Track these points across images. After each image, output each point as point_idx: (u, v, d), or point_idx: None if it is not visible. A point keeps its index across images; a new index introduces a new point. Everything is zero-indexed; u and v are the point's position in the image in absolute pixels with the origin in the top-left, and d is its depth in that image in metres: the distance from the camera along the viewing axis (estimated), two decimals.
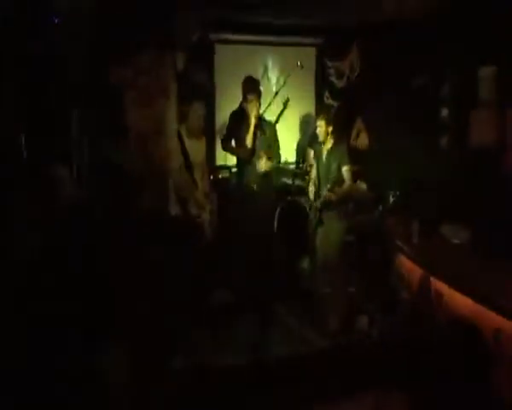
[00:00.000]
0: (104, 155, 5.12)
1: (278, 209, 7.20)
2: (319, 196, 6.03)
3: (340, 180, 5.94)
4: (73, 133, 4.53)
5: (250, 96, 6.44)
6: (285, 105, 6.74)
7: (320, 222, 6.03)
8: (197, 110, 6.14)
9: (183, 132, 5.99)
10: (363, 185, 7.03)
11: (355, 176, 6.36)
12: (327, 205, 5.95)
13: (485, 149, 6.32)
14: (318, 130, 6.14)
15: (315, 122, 6.51)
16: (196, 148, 6.07)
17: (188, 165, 5.89)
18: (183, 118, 6.04)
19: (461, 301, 4.50)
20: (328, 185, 5.87)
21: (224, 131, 6.79)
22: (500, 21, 6.02)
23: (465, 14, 6.62)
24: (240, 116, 6.59)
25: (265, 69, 8.29)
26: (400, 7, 5.40)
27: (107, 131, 5.23)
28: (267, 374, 4.80)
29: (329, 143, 6.06)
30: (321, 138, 6.14)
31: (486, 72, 6.39)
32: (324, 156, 6.09)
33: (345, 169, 5.94)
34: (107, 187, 5.11)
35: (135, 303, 4.74)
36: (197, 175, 6.02)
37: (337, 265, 5.99)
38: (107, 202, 4.93)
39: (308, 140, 7.90)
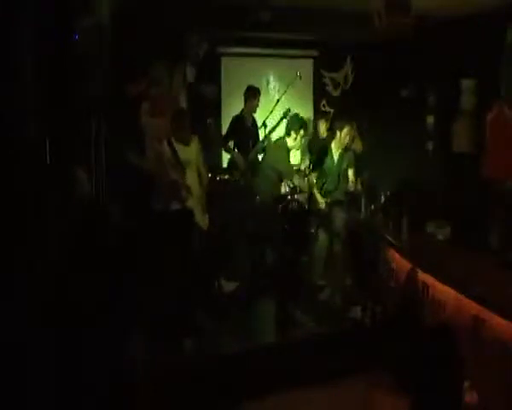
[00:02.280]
0: (121, 158, 5.21)
1: (280, 207, 7.26)
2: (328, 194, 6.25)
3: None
4: (93, 137, 4.59)
5: (250, 102, 6.65)
6: (285, 115, 6.82)
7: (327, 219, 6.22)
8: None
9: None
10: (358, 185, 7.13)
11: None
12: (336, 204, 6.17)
13: (466, 154, 6.43)
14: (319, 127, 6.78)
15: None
16: (188, 151, 6.02)
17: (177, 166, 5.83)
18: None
19: (444, 292, 4.58)
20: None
21: (225, 132, 6.99)
22: (479, 40, 6.15)
23: (448, 34, 6.74)
24: (240, 120, 6.75)
25: (268, 80, 8.38)
26: (389, 28, 5.48)
27: (124, 136, 5.32)
28: (265, 359, 4.88)
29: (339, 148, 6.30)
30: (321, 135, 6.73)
31: (467, 84, 6.52)
32: (335, 160, 6.31)
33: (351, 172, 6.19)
34: (123, 187, 5.19)
35: (149, 293, 4.82)
36: (191, 175, 5.96)
37: (336, 259, 6.15)
38: (123, 201, 5.01)
39: (307, 144, 7.97)
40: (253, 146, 6.74)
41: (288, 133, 6.47)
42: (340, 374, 4.71)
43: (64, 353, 3.46)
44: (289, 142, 6.47)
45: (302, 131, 6.48)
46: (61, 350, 3.44)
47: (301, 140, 6.60)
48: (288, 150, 6.57)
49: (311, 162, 6.77)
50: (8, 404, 3.05)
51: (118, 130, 5.16)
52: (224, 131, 7.82)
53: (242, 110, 6.92)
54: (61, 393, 3.38)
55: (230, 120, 7.01)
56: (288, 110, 6.81)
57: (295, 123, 6.43)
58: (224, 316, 5.60)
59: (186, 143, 5.76)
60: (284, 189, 6.90)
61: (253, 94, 6.85)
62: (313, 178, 6.51)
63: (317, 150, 6.96)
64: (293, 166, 6.98)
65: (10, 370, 3.06)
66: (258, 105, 6.92)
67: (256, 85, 7.02)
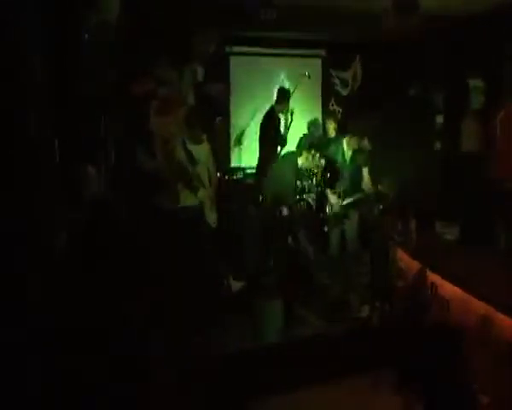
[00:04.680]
0: (129, 157, 5.23)
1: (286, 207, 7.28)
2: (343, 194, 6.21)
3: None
4: (101, 136, 4.60)
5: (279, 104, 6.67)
6: (291, 117, 6.85)
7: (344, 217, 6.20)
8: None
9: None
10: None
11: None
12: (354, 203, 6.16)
13: (474, 153, 6.41)
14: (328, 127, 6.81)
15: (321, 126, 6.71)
16: (198, 150, 6.04)
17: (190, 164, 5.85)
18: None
19: (452, 291, 4.57)
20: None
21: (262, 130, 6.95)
22: (487, 39, 6.13)
23: (456, 34, 6.73)
24: (272, 117, 6.77)
25: (278, 79, 8.38)
26: (397, 27, 5.49)
27: (132, 135, 5.33)
28: (272, 357, 4.88)
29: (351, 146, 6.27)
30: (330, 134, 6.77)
31: (475, 84, 6.50)
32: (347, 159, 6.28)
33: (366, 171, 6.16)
34: (131, 186, 5.21)
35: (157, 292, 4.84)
36: (203, 172, 5.99)
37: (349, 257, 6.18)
38: (131, 200, 5.03)
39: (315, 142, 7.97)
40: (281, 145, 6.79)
41: (300, 153, 6.49)
42: (347, 373, 4.72)
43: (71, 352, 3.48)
44: (300, 160, 6.48)
45: (313, 151, 6.44)
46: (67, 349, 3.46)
47: (314, 159, 6.55)
48: (296, 168, 6.52)
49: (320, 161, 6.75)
50: None
51: (126, 129, 5.17)
52: (233, 131, 7.86)
53: (273, 107, 6.93)
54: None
55: (264, 116, 6.96)
56: (292, 111, 6.84)
57: (305, 143, 6.42)
58: (231, 315, 5.62)
59: (198, 143, 5.82)
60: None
61: (281, 96, 6.88)
62: (321, 177, 6.47)
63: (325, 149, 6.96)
64: (294, 186, 6.73)
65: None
66: (286, 107, 6.89)
67: (286, 88, 7.06)
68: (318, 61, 8.60)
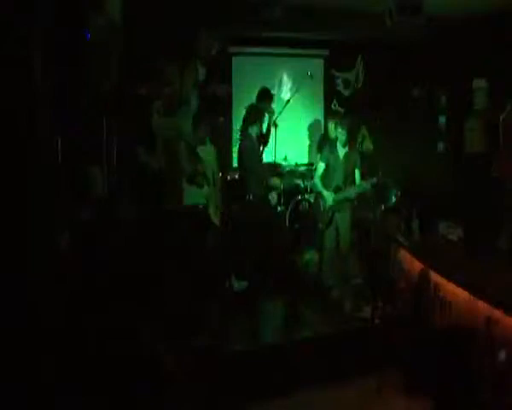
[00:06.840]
0: (133, 157, 5.23)
1: (290, 207, 7.27)
2: (337, 191, 6.13)
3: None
4: (104, 137, 4.60)
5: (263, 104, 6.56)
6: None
7: (334, 214, 6.13)
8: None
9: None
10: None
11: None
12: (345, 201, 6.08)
13: (478, 154, 6.39)
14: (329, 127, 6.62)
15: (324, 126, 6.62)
16: (203, 151, 6.03)
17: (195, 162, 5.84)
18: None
19: (456, 292, 4.55)
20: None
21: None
22: (491, 40, 6.12)
23: (460, 34, 6.72)
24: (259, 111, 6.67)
25: (280, 79, 8.36)
26: (400, 27, 5.47)
27: (135, 134, 5.34)
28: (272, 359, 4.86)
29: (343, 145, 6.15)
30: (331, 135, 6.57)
31: (479, 84, 6.48)
32: (341, 159, 6.17)
33: (358, 171, 6.10)
34: (135, 186, 5.21)
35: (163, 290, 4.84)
36: (207, 172, 6.00)
37: (345, 256, 6.12)
38: (135, 200, 5.03)
39: (317, 144, 7.95)
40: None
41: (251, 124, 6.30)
42: (350, 374, 4.71)
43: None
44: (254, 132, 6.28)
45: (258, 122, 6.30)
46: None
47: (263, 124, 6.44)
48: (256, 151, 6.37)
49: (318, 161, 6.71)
50: None
51: (129, 129, 5.17)
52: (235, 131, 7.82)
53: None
54: None
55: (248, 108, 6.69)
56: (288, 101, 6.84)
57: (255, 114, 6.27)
58: (233, 315, 5.60)
59: (202, 143, 5.85)
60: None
61: (263, 96, 6.75)
62: (318, 177, 6.41)
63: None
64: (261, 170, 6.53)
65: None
66: (269, 108, 6.76)
67: (268, 87, 6.90)
68: (320, 62, 8.58)
